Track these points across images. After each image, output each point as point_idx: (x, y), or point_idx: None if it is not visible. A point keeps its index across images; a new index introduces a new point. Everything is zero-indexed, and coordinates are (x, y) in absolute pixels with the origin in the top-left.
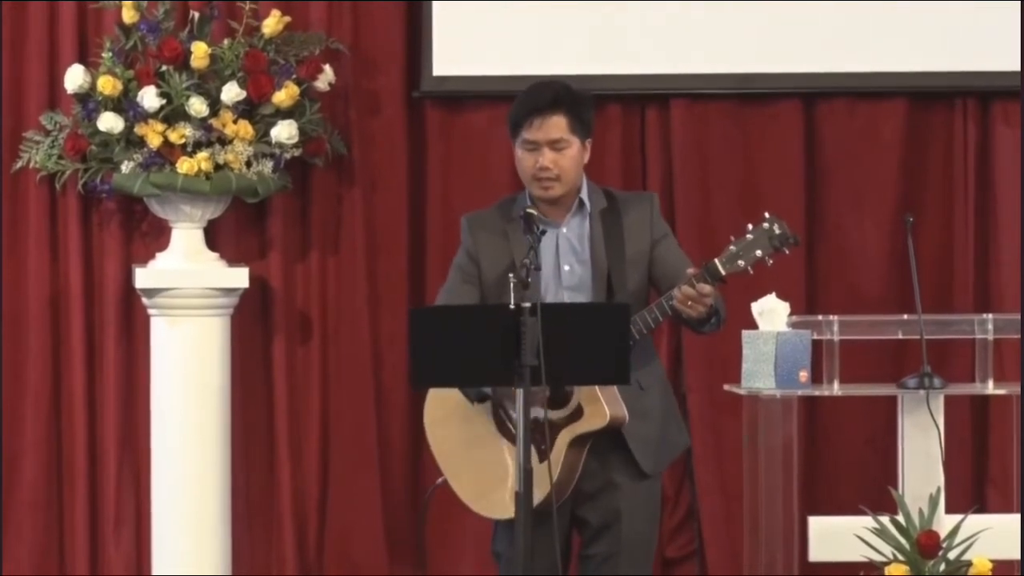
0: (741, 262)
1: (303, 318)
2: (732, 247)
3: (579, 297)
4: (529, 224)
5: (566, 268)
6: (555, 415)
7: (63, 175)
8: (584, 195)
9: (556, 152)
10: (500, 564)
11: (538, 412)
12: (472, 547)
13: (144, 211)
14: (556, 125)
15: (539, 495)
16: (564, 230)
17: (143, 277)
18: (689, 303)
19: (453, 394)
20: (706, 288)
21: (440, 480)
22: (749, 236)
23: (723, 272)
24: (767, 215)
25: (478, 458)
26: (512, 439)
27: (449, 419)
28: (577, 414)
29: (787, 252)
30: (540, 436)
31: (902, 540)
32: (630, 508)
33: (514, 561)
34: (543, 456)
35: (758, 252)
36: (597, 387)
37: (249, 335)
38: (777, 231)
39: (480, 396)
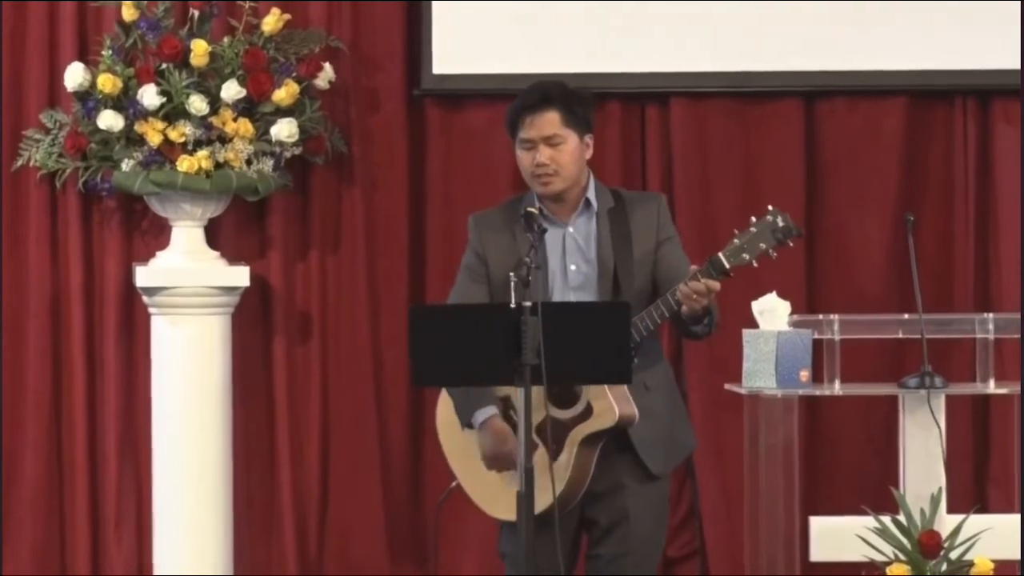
0: (746, 255)
1: (303, 317)
2: (736, 240)
3: (585, 297)
4: (529, 223)
5: (572, 268)
6: (564, 414)
7: (63, 173)
8: (591, 194)
9: (552, 148)
10: (507, 565)
11: (553, 412)
12: (476, 547)
13: (144, 209)
14: (549, 121)
15: (549, 496)
16: (571, 229)
17: (143, 275)
18: (694, 296)
19: None
20: (714, 284)
21: (454, 484)
22: (753, 229)
23: (727, 266)
24: (770, 208)
25: None
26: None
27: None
28: (587, 413)
29: (791, 244)
30: (553, 436)
31: (903, 540)
32: (638, 509)
33: (517, 561)
34: (554, 456)
35: (762, 245)
36: (607, 386)
37: (249, 334)
38: (781, 224)
39: (468, 422)
